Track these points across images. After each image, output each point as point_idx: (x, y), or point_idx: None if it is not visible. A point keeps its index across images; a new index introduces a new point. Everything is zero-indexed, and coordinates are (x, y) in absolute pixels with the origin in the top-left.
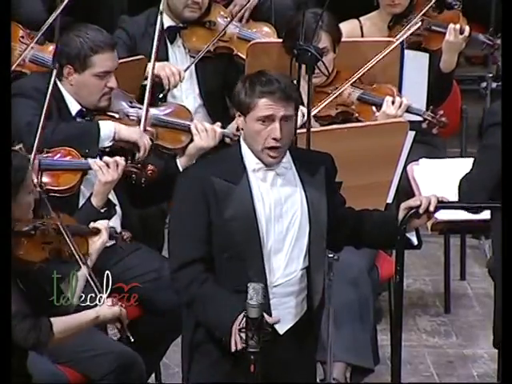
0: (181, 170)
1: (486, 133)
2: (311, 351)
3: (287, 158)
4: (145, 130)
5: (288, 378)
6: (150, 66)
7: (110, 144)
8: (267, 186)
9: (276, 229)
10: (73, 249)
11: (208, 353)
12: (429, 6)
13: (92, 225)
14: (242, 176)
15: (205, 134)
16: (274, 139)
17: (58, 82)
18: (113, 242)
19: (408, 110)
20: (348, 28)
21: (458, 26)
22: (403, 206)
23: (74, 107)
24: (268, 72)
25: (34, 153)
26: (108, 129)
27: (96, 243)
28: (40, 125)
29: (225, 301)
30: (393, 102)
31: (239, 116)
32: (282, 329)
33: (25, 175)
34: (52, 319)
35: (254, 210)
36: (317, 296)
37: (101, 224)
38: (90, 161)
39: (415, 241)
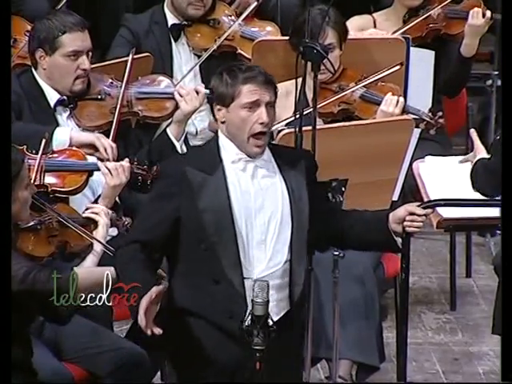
0: (173, 140)
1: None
2: (296, 347)
3: (267, 152)
4: (127, 105)
5: (274, 374)
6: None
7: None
8: (247, 177)
9: (258, 220)
10: (79, 232)
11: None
12: None
13: (85, 214)
14: (218, 167)
15: (189, 97)
16: (262, 124)
17: (34, 72)
18: (117, 233)
19: (406, 110)
20: (360, 22)
21: (480, 10)
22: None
23: (52, 97)
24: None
25: (40, 153)
26: (63, 137)
27: (99, 230)
28: None
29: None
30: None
31: (219, 110)
32: None
33: (20, 169)
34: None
35: (229, 201)
36: (297, 288)
37: (96, 209)
38: (100, 164)
39: (400, 244)
